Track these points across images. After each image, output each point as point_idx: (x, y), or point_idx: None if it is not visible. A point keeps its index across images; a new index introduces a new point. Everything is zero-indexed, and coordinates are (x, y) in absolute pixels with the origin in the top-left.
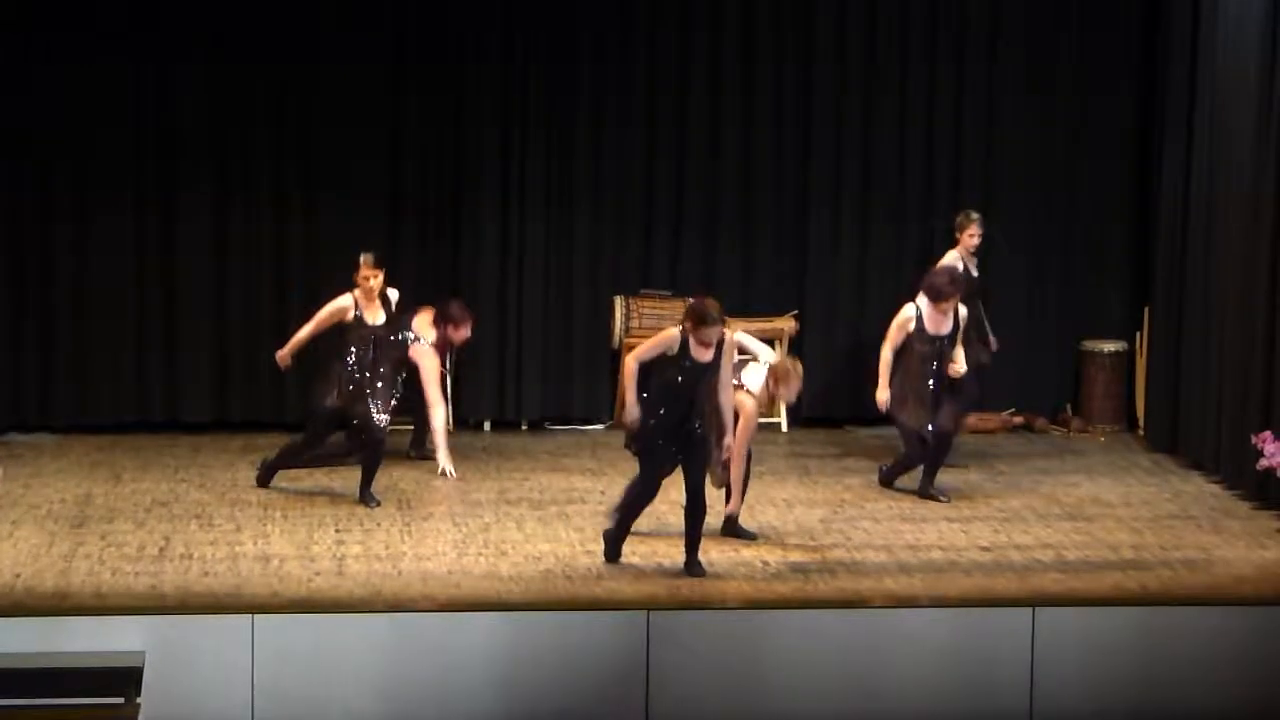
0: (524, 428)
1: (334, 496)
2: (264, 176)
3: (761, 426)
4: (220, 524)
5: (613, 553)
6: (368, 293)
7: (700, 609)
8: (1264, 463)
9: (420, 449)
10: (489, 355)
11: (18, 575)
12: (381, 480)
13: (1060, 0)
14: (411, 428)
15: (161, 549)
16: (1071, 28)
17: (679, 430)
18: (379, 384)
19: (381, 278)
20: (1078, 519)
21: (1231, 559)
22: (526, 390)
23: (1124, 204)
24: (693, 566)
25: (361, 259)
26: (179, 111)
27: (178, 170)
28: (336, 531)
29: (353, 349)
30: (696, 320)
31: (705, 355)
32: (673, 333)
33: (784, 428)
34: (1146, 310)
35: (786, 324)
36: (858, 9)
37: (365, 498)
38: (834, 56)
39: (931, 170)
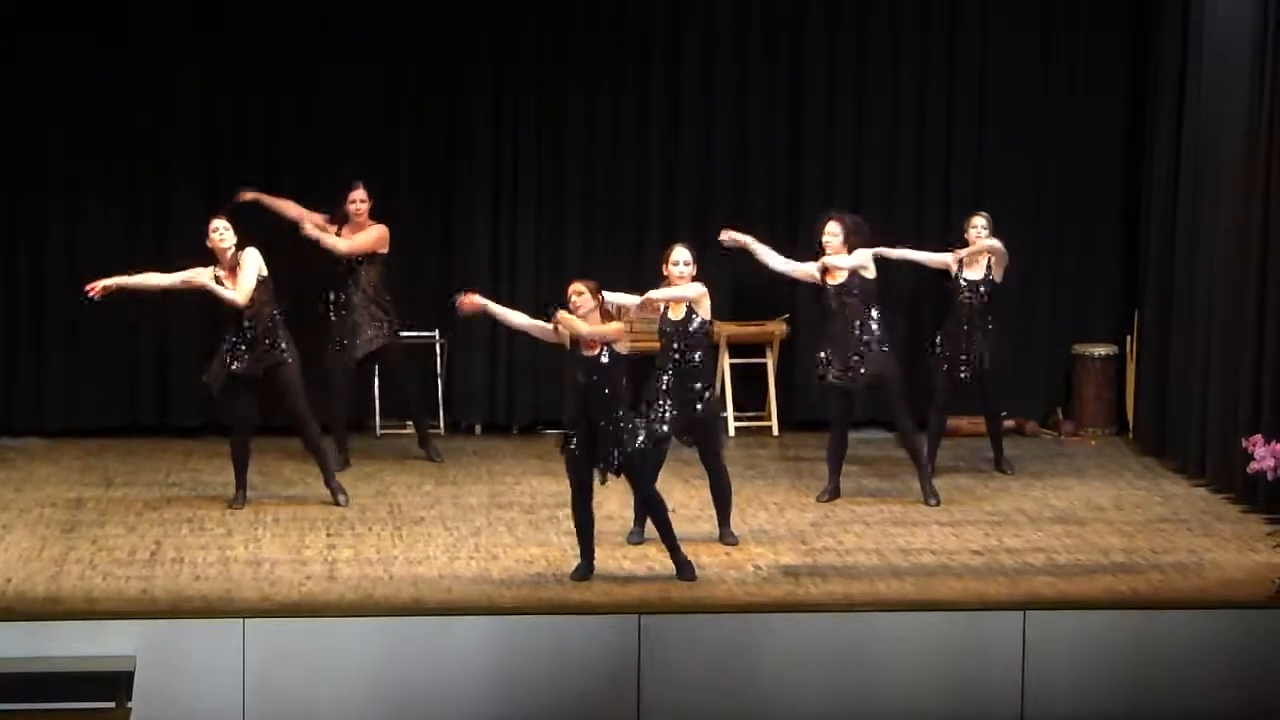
0: (515, 431)
1: (325, 501)
2: (257, 178)
3: (753, 430)
4: (211, 528)
5: (584, 567)
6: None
7: (691, 613)
8: (1254, 466)
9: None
10: (480, 358)
11: (9, 579)
12: (373, 484)
13: (1051, 1)
14: (411, 429)
15: (153, 553)
16: (1062, 28)
17: (603, 436)
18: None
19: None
20: (1069, 522)
21: (1222, 562)
22: (518, 394)
23: (1114, 207)
24: (681, 569)
25: None
26: (171, 113)
27: (170, 172)
28: (328, 536)
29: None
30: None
31: (593, 349)
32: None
33: (775, 431)
34: (1137, 314)
35: (778, 328)
36: (849, 9)
37: (332, 491)
38: (825, 57)
39: (923, 171)
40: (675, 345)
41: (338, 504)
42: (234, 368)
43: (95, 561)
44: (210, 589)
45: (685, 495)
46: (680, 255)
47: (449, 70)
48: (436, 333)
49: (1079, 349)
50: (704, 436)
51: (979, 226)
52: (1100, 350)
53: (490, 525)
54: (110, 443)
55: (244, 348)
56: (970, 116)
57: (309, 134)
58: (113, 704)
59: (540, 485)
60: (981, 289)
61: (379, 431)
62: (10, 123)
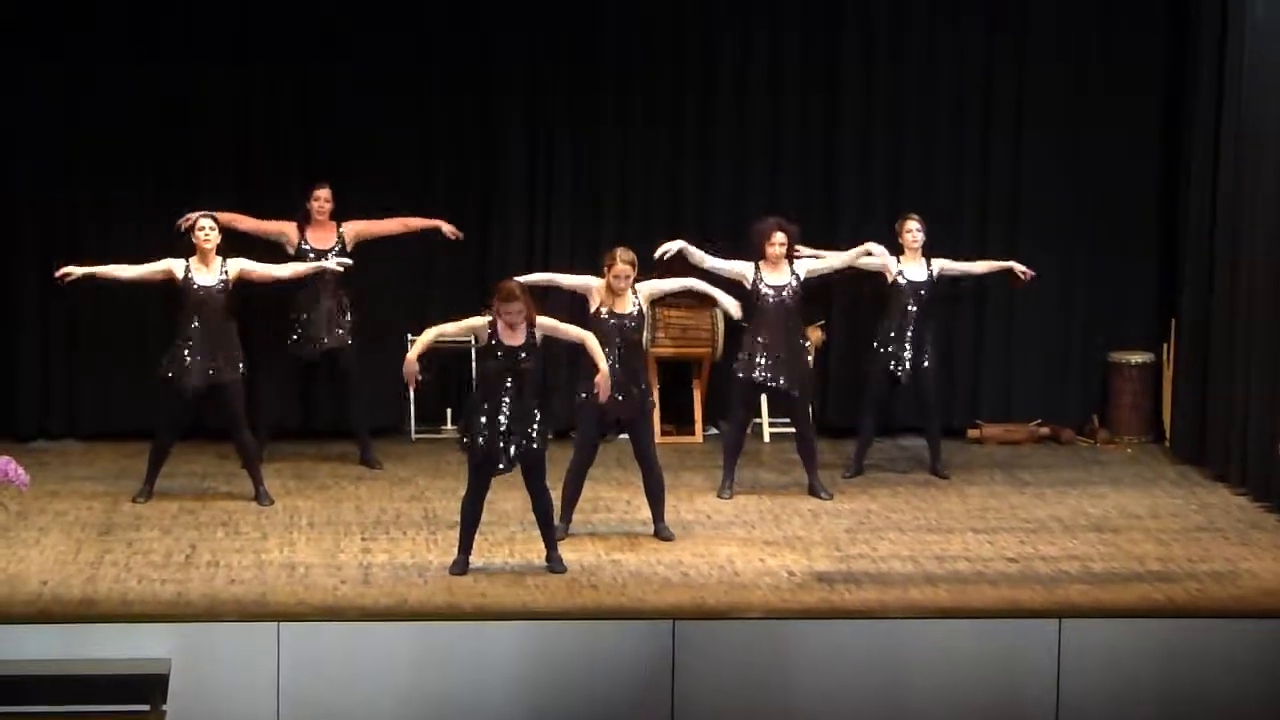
0: (550, 436)
1: (360, 504)
2: (291, 180)
3: (783, 436)
4: (246, 531)
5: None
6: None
7: (725, 619)
8: None
9: (368, 457)
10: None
11: (45, 582)
12: (407, 489)
13: (1088, 1)
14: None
15: (188, 556)
16: (1099, 29)
17: (511, 436)
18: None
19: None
20: (1104, 530)
21: (1259, 571)
22: (553, 397)
23: (1150, 212)
24: (554, 564)
25: None
26: (203, 114)
27: (203, 174)
28: (363, 540)
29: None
30: (501, 298)
31: (515, 338)
32: (479, 321)
33: None
34: (1174, 321)
35: (814, 333)
36: (884, 11)
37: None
38: (860, 58)
39: (959, 175)
40: (619, 339)
41: (260, 503)
42: (182, 380)
43: (131, 564)
44: (245, 592)
45: (715, 504)
46: (628, 266)
47: (482, 69)
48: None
49: (1115, 356)
50: (635, 430)
51: (914, 230)
52: (1136, 357)
53: (524, 530)
54: (146, 446)
55: (198, 360)
56: (1005, 118)
57: (343, 134)
58: (147, 707)
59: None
60: (922, 291)
61: (413, 436)
62: (46, 126)
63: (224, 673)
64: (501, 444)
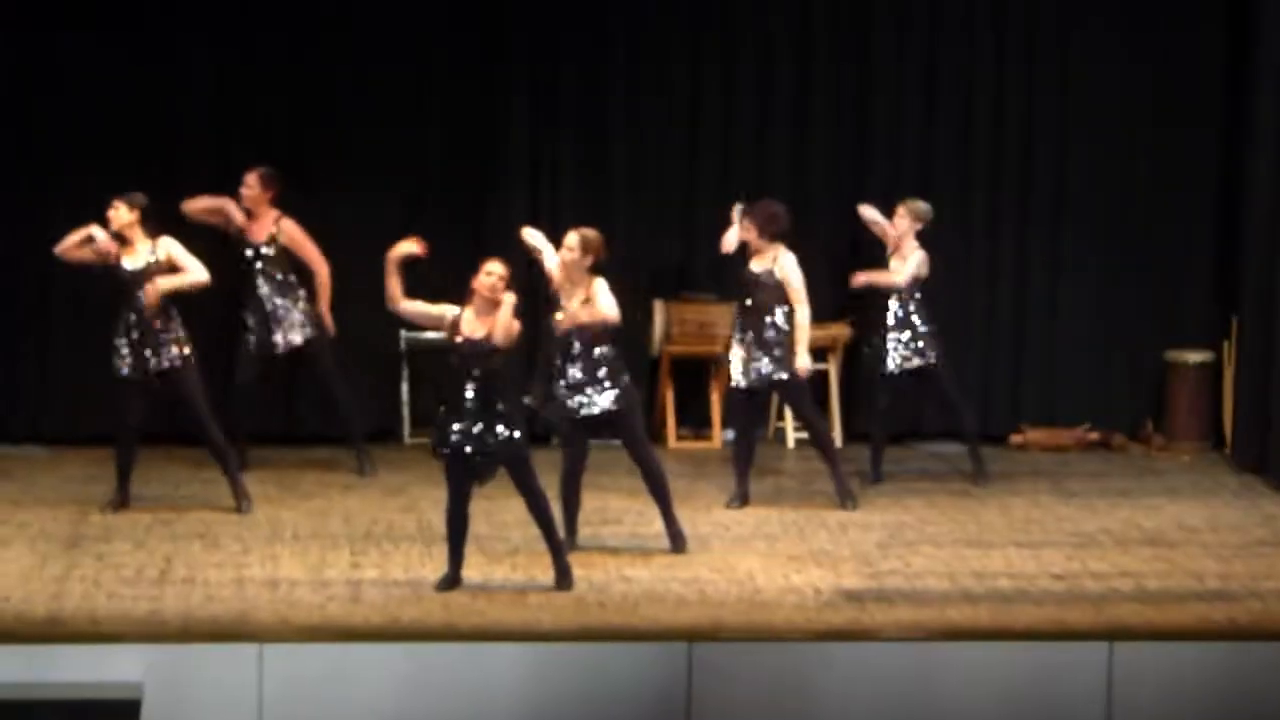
0: (555, 442)
1: (349, 515)
2: (290, 179)
3: (808, 441)
4: (226, 545)
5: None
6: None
7: (746, 640)
8: None
9: (361, 461)
10: (518, 365)
11: (7, 599)
12: (400, 499)
13: None
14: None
15: (162, 571)
16: (1153, 21)
17: (477, 432)
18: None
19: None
20: (1159, 545)
21: None
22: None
23: (1210, 200)
24: (561, 577)
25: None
26: (200, 112)
27: (200, 174)
28: (351, 554)
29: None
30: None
31: (477, 330)
32: (449, 310)
33: (838, 444)
34: (1235, 317)
35: (840, 331)
36: (919, 2)
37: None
38: (893, 56)
39: (999, 167)
40: (580, 338)
41: (240, 510)
42: (124, 372)
43: (100, 580)
44: (224, 611)
45: (734, 515)
46: (570, 239)
47: (483, 68)
48: None
49: (1171, 356)
50: (624, 428)
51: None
52: (1194, 357)
53: (527, 543)
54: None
55: (135, 348)
56: (1051, 110)
57: (342, 133)
58: None
59: (581, 500)
60: (912, 283)
61: (407, 440)
62: (11, 128)
63: (201, 698)
64: (470, 447)
